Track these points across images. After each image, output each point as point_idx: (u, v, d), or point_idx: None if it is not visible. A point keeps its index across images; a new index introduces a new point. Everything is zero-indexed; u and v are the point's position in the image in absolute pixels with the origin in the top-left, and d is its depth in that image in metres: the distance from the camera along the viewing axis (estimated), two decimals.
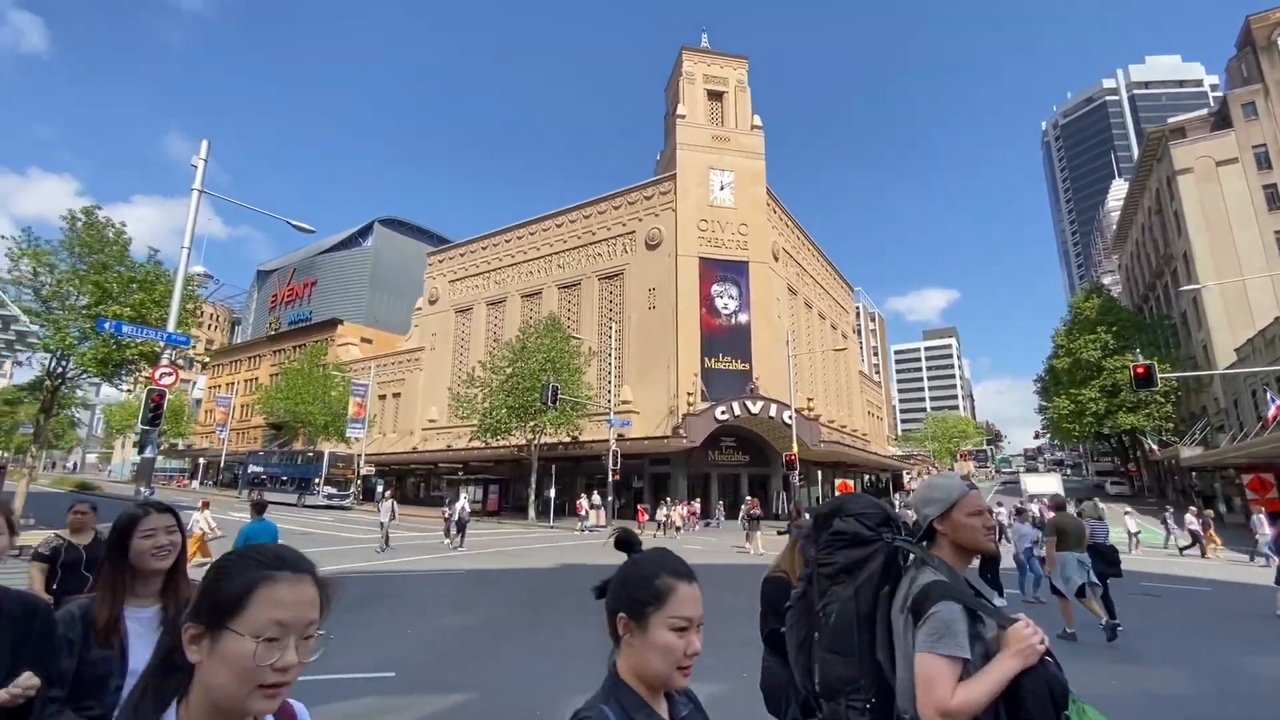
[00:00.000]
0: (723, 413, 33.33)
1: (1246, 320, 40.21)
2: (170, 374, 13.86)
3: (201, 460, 62.24)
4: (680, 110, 42.97)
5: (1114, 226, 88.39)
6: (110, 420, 66.83)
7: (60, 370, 16.44)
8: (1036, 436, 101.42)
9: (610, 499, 29.75)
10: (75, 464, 74.20)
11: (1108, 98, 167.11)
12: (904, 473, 63.79)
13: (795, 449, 30.67)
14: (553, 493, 31.60)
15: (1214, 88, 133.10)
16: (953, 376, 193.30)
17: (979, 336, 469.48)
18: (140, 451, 14.06)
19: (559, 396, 28.50)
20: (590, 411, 38.07)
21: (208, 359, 73.35)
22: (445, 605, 10.51)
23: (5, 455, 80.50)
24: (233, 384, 65.26)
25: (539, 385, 31.68)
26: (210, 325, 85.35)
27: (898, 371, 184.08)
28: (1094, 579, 8.65)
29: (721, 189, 41.33)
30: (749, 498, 24.31)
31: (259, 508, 8.61)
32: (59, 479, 50.84)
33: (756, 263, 40.46)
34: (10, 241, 14.90)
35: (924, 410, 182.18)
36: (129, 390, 19.70)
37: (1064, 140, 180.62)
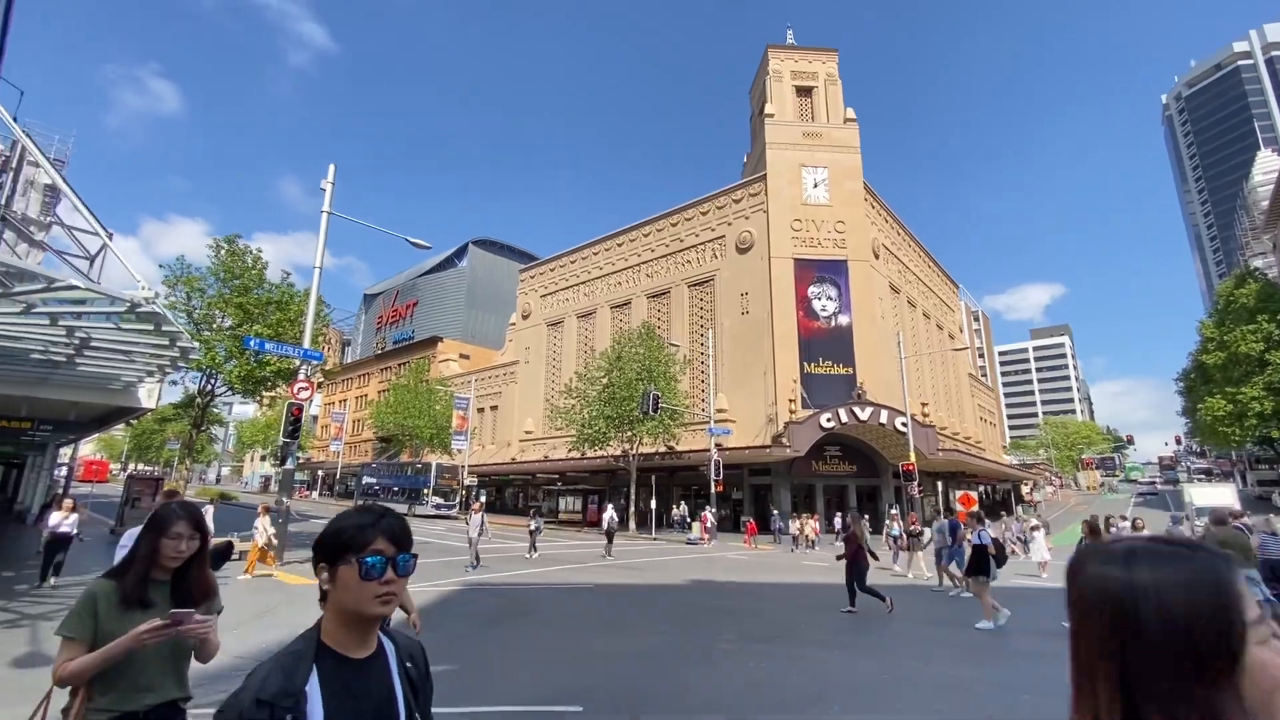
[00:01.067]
0: (828, 420, 31.62)
1: None
2: (307, 388, 14.40)
3: (320, 472, 66.78)
4: (768, 109, 41.80)
5: (1264, 203, 77.88)
6: (241, 436, 73.20)
7: (209, 388, 17.73)
8: (1179, 441, 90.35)
9: (713, 509, 28.76)
10: (216, 476, 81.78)
11: (1240, 62, 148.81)
12: (1022, 484, 58.52)
13: (913, 458, 28.48)
14: (654, 504, 31.02)
15: None
16: (1067, 378, 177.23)
17: (1090, 334, 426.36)
18: (281, 463, 14.70)
19: (659, 405, 27.94)
20: (685, 421, 37.38)
21: (323, 379, 79.03)
22: (590, 624, 9.98)
23: (160, 469, 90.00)
24: (345, 401, 69.85)
25: (636, 394, 31.41)
26: (324, 347, 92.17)
27: (1003, 375, 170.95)
28: (1268, 595, 8.27)
29: (815, 186, 39.69)
30: (892, 510, 22.53)
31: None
32: (202, 490, 55.89)
33: (856, 261, 38.43)
34: (167, 270, 16.25)
35: (1034, 415, 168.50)
36: (267, 405, 20.91)
37: (1189, 113, 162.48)
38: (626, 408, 30.92)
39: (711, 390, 33.77)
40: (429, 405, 46.60)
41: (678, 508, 34.95)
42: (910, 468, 28.02)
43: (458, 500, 40.92)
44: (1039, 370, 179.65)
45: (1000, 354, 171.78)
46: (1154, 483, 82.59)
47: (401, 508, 41.52)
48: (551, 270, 52.89)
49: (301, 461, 75.99)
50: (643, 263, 45.89)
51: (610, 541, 20.99)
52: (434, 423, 45.67)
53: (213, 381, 17.50)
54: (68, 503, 11.41)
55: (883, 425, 31.58)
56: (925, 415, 35.90)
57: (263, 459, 78.21)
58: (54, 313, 7.46)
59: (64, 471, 28.52)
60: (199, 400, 17.84)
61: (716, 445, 30.71)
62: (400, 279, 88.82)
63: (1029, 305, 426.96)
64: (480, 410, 54.30)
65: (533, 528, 19.05)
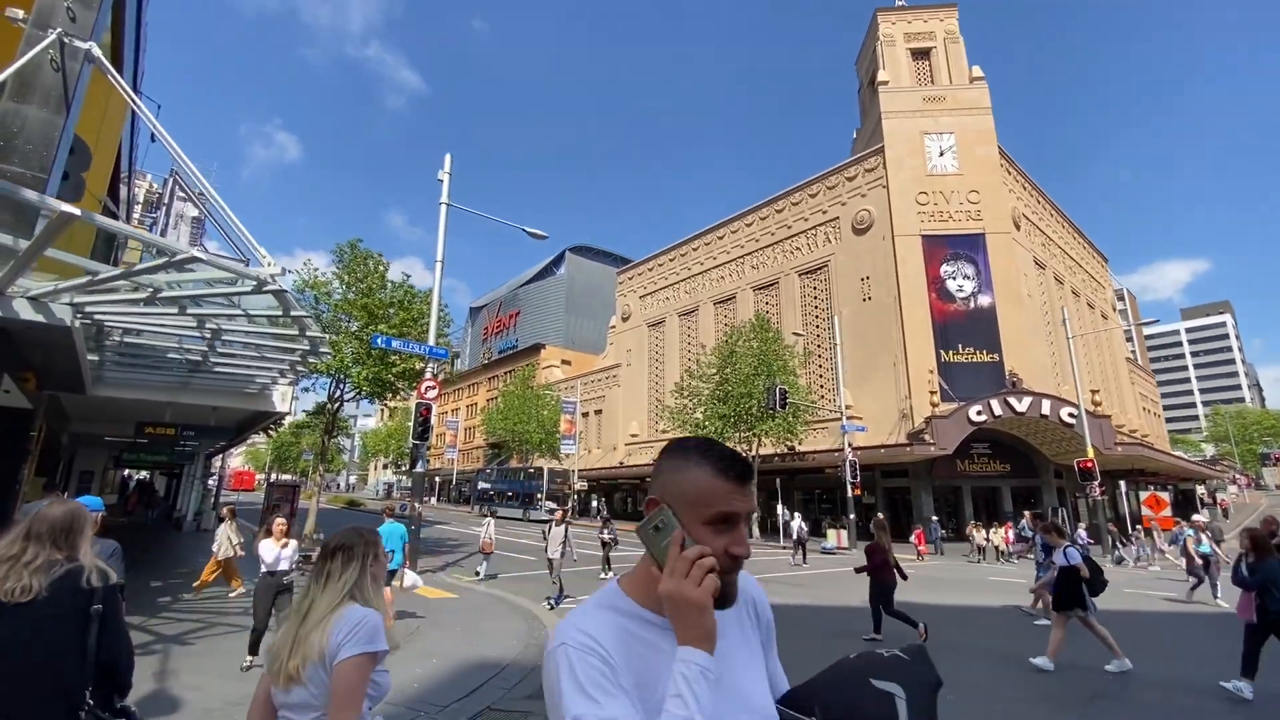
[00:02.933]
0: (978, 413, 27.86)
1: None
2: (434, 387, 13.57)
3: (436, 479, 69.46)
4: (881, 76, 38.28)
5: None
6: (366, 445, 77.73)
7: (339, 394, 17.64)
8: None
9: (851, 516, 25.88)
10: (346, 484, 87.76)
11: None
12: (1203, 483, 50.21)
13: (1090, 454, 24.28)
14: (780, 510, 28.57)
15: None
16: (1231, 362, 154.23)
17: (1245, 314, 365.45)
18: (411, 466, 14.00)
19: (787, 400, 25.60)
20: (806, 420, 34.65)
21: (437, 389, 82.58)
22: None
23: (297, 477, 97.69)
24: (457, 410, 72.42)
25: (752, 391, 29.20)
26: (449, 345, 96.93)
27: (1151, 362, 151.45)
28: None
29: (941, 155, 35.73)
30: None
31: (389, 512, 10.58)
32: (333, 498, 59.49)
33: (994, 234, 34.10)
34: (296, 274, 16.22)
35: (1192, 406, 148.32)
36: (389, 416, 20.77)
37: None
38: (743, 405, 28.74)
39: (838, 383, 30.82)
40: (536, 411, 46.66)
41: (792, 517, 32.23)
42: (1089, 465, 23.89)
43: (570, 505, 40.40)
44: (1194, 355, 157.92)
45: (1146, 338, 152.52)
46: None
47: (516, 513, 41.58)
48: (650, 270, 51.68)
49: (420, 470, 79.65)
50: (746, 254, 43.55)
51: (802, 551, 20.67)
52: (542, 428, 45.62)
53: (341, 387, 17.42)
54: (279, 524, 7.41)
55: (1044, 417, 27.40)
56: (1097, 404, 31.01)
57: (384, 467, 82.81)
58: (179, 298, 6.62)
59: (215, 481, 30.40)
60: (329, 406, 17.87)
61: (850, 445, 27.83)
62: (502, 291, 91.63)
63: (1167, 284, 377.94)
64: (585, 415, 53.97)
65: (605, 537, 14.86)
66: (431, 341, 13.89)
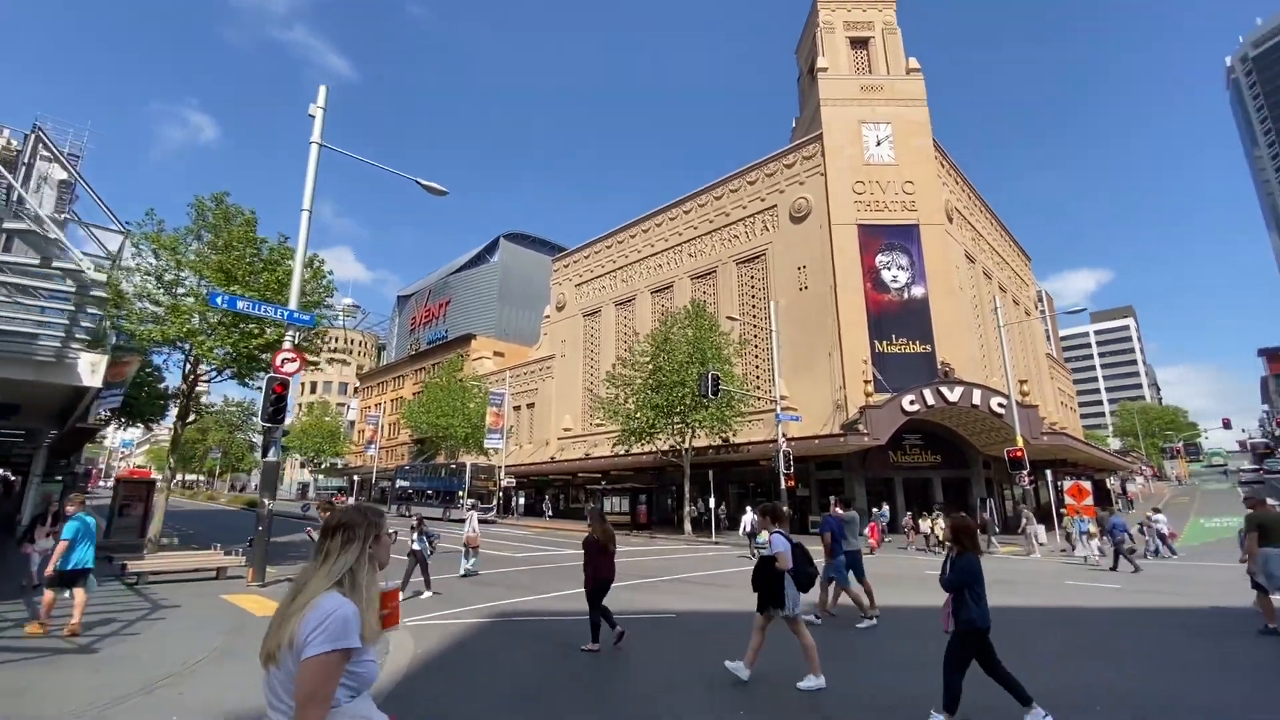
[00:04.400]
0: (911, 403, 27.41)
1: None
2: (294, 359, 11.24)
3: (356, 477, 65.17)
4: (820, 63, 37.70)
5: None
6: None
7: (193, 373, 14.89)
8: (1278, 424, 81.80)
9: (785, 508, 24.74)
10: (244, 485, 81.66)
11: None
12: (1117, 473, 52.63)
13: (1020, 442, 24.11)
14: (713, 503, 27.27)
15: None
16: (1134, 363, 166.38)
17: (1142, 318, 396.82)
18: (264, 453, 11.62)
19: (720, 387, 24.26)
20: (742, 410, 33.65)
21: (298, 363, 77.71)
22: (716, 698, 6.42)
23: (206, 478, 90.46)
24: (380, 404, 68.12)
25: (686, 379, 27.81)
26: (359, 352, 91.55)
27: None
28: None
29: (878, 144, 35.45)
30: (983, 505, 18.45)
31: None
32: (233, 499, 54.75)
33: (928, 225, 34.05)
34: (134, 227, 13.39)
35: (1099, 404, 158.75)
36: (305, 412, 18.17)
37: (1258, 74, 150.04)
38: (676, 394, 27.29)
39: (774, 373, 29.82)
40: (463, 404, 43.90)
41: (714, 508, 31.13)
42: (1019, 454, 23.66)
43: (496, 503, 38.02)
44: (1102, 356, 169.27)
45: (1060, 339, 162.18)
46: (1259, 470, 74.29)
47: (435, 512, 38.81)
48: (586, 258, 49.70)
49: (340, 467, 74.73)
50: (684, 241, 42.29)
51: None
52: (469, 421, 42.92)
53: (195, 365, 14.66)
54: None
55: (975, 407, 27.22)
56: (1025, 395, 31.25)
57: (301, 465, 77.32)
58: None
59: (64, 480, 26.21)
60: (182, 387, 15.10)
61: (784, 436, 26.82)
62: (432, 279, 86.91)
63: (1074, 292, 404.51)
64: (516, 408, 51.50)
65: (416, 547, 11.40)
66: (293, 304, 11.53)
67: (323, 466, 72.84)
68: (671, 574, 15.55)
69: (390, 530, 2.08)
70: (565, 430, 45.82)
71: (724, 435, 30.73)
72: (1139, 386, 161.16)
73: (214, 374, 15.03)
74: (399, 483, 45.00)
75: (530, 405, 51.09)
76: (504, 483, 40.04)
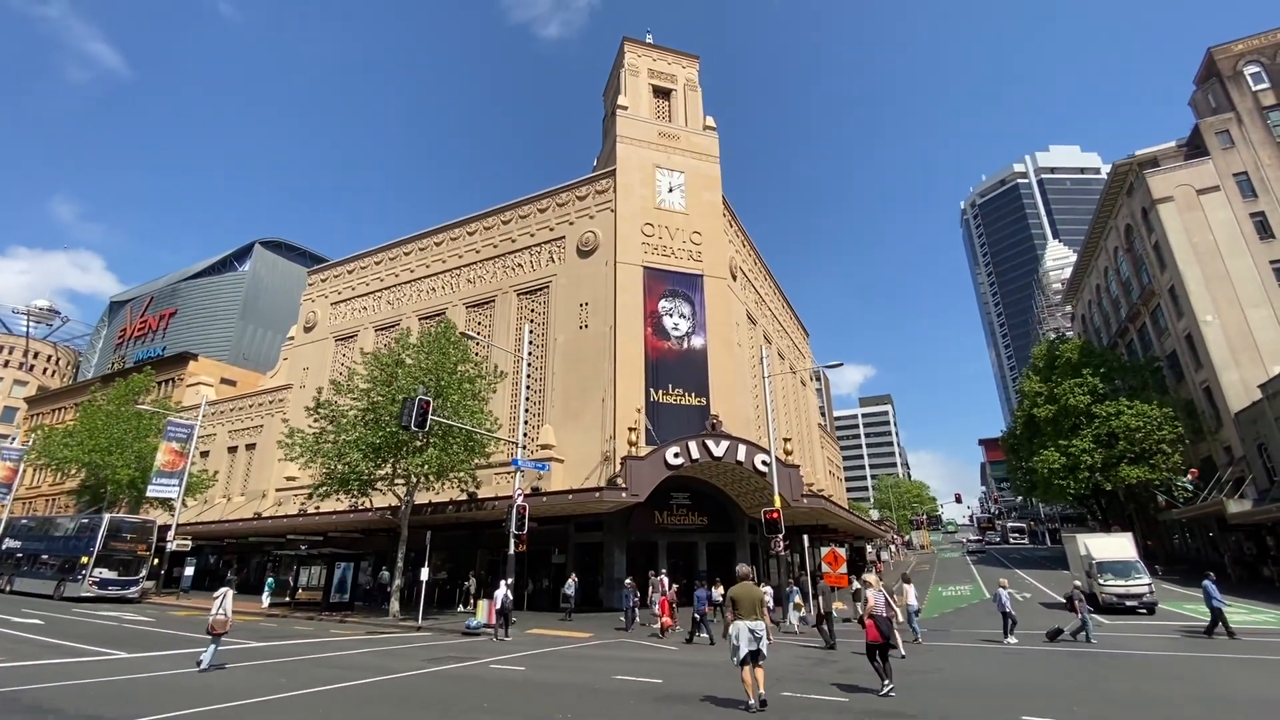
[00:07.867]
0: (676, 455, 24.52)
1: (1254, 357, 35.83)
2: None
3: None
4: (621, 101, 36.36)
5: (1057, 285, 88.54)
6: None
7: None
8: (996, 502, 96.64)
9: (509, 580, 19.30)
10: None
11: (1019, 180, 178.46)
12: (874, 541, 55.91)
13: (778, 503, 22.02)
14: (425, 573, 21.04)
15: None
16: (890, 444, 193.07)
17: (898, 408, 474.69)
18: None
19: (429, 419, 18.90)
20: (497, 462, 28.51)
21: (25, 406, 58.24)
22: None
23: None
24: (35, 432, 50.66)
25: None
26: (47, 370, 69.53)
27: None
28: None
29: (670, 191, 34.36)
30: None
31: None
32: None
33: (712, 277, 33.10)
34: None
35: (863, 479, 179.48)
36: None
37: (983, 218, 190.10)
38: (396, 426, 21.33)
39: (521, 410, 25.21)
40: (135, 438, 32.77)
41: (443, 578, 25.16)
42: (775, 515, 21.47)
43: (145, 572, 27.61)
44: (868, 435, 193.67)
45: (833, 418, 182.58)
46: (981, 541, 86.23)
47: (48, 586, 27.19)
48: (349, 272, 42.11)
49: None
50: (464, 265, 37.26)
51: (505, 625, 17.45)
52: (138, 461, 31.92)
53: None
54: None
55: (740, 463, 25.12)
56: (789, 453, 30.33)
57: None
58: None
59: None
60: None
61: (532, 489, 22.07)
62: (159, 283, 68.36)
63: (843, 383, 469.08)
64: (232, 450, 40.70)
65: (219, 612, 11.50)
66: None
67: None
68: (353, 683, 9.41)
69: None
70: (289, 479, 36.36)
71: (466, 489, 25.15)
72: (894, 465, 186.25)
73: None
74: (8, 543, 31.52)
75: (250, 446, 40.59)
76: (174, 545, 29.56)
